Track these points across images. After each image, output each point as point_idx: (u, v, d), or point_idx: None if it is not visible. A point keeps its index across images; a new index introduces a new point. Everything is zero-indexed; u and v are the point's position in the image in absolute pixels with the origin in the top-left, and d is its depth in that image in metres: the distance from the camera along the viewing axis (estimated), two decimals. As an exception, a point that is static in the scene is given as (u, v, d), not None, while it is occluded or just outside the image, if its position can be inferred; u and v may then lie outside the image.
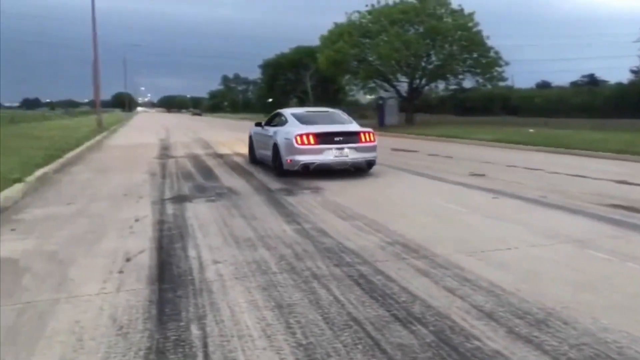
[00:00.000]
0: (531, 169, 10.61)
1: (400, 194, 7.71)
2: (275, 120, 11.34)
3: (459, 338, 2.88)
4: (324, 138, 9.38)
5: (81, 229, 5.59)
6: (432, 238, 5.03)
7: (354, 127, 10.43)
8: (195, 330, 3.03)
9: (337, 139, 9.47)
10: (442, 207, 6.66)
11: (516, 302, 3.39)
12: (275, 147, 9.88)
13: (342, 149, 9.38)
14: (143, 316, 3.24)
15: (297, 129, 9.61)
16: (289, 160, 9.38)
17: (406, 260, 4.32)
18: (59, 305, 3.45)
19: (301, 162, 9.24)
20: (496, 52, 32.39)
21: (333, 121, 10.92)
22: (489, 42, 32.37)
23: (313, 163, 9.27)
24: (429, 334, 2.93)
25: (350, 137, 9.67)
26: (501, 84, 36.36)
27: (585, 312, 3.22)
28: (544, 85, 58.22)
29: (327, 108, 13.67)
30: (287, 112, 11.40)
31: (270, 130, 10.78)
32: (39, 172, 9.20)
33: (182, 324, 3.12)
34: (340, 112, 12.26)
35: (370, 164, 9.94)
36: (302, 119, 10.35)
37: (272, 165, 10.19)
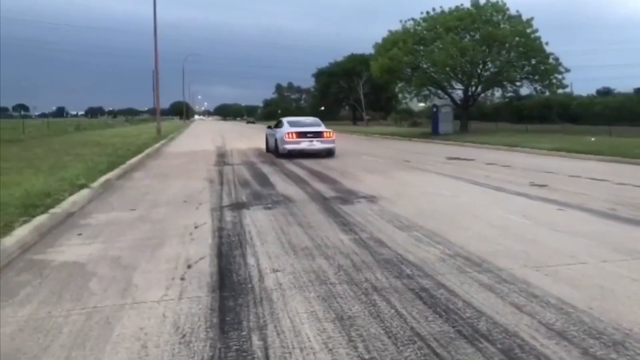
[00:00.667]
0: (596, 179, 10.16)
1: (459, 204, 7.52)
2: (278, 124, 17.50)
3: (529, 358, 2.75)
4: (301, 135, 15.73)
5: (144, 234, 5.74)
6: (495, 251, 4.87)
7: (321, 128, 16.60)
8: (256, 341, 3.02)
9: (309, 135, 15.83)
10: (504, 218, 6.45)
11: (589, 320, 3.21)
12: (275, 140, 16.47)
13: (311, 141, 15.77)
14: (205, 324, 3.26)
15: (286, 130, 15.99)
16: (282, 149, 15.67)
17: (469, 274, 4.18)
18: (124, 311, 3.52)
19: (287, 149, 15.54)
20: (556, 59, 31.37)
21: (310, 125, 17.00)
22: (548, 49, 31.41)
23: (294, 149, 15.51)
24: (498, 352, 2.81)
25: (317, 134, 16.04)
26: (560, 91, 35.15)
27: (667, 335, 3.01)
28: (605, 92, 55.97)
29: (312, 117, 20.15)
30: (284, 119, 17.75)
31: (274, 130, 17.27)
32: (102, 178, 9.54)
33: (243, 333, 3.13)
34: (318, 119, 18.40)
35: (329, 151, 16.26)
36: (291, 124, 16.79)
37: (274, 151, 16.64)
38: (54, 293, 3.88)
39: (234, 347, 2.94)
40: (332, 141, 16.23)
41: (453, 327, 3.16)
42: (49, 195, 7.15)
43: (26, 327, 3.27)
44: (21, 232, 5.28)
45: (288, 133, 15.72)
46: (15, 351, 2.95)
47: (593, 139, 21.47)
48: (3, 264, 4.55)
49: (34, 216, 5.95)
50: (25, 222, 5.65)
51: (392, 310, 3.43)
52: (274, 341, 3.00)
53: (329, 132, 16.31)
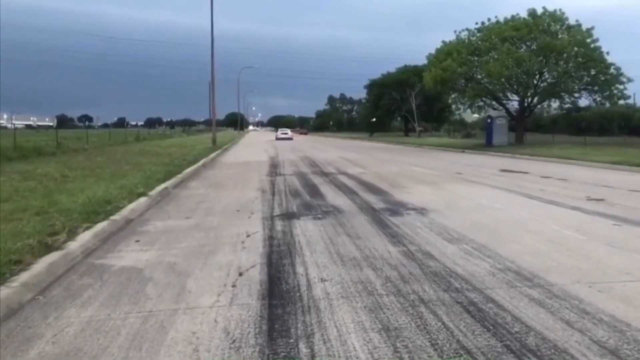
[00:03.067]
0: (659, 194, 9.74)
1: (511, 217, 7.38)
2: (278, 129, 68.78)
3: (579, 376, 2.71)
4: (281, 134, 60.16)
5: (198, 242, 5.94)
6: (546, 266, 4.77)
7: (290, 134, 61.14)
8: (303, 348, 3.09)
9: (283, 135, 59.31)
10: (558, 233, 6.29)
11: (644, 341, 3.12)
12: (276, 136, 60.90)
13: (284, 135, 59.21)
14: (254, 331, 3.37)
15: (279, 131, 64.86)
16: (276, 137, 59.17)
17: (519, 289, 4.13)
18: (178, 315, 3.67)
19: (277, 137, 58.41)
20: (617, 69, 30.17)
21: (285, 130, 65.02)
22: (610, 58, 30.26)
23: (278, 137, 57.97)
24: (546, 369, 2.78)
25: (287, 134, 60.14)
26: (622, 102, 33.79)
27: None
28: (673, 103, 53.31)
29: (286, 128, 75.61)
30: (279, 129, 71.68)
31: (277, 131, 69.19)
32: (160, 187, 9.90)
33: (291, 340, 3.21)
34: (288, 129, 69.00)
35: (290, 139, 56.38)
36: (279, 130, 67.46)
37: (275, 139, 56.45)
38: (113, 296, 4.09)
39: (282, 354, 3.03)
40: (291, 137, 58.57)
41: (501, 341, 3.14)
42: (109, 202, 7.50)
43: (87, 327, 3.47)
44: (84, 238, 5.58)
45: (277, 133, 60.52)
46: (76, 350, 3.14)
47: (657, 152, 20.52)
48: (67, 268, 4.83)
49: (95, 222, 6.27)
50: (87, 228, 5.96)
51: (439, 323, 3.44)
52: (320, 349, 3.07)
53: (291, 132, 65.63)
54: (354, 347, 3.08)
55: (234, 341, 3.21)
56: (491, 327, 3.35)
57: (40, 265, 4.48)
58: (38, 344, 3.21)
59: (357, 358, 2.95)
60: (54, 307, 3.85)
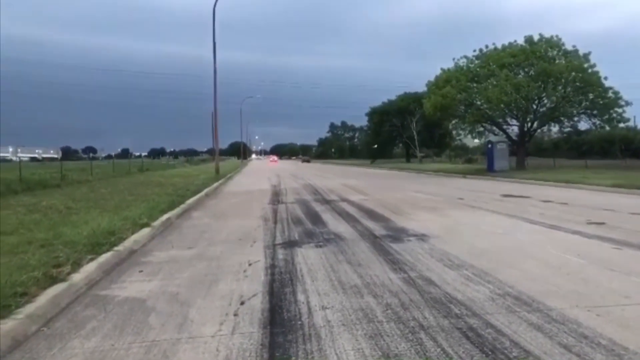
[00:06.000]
0: (660, 217, 9.77)
1: (511, 242, 7.43)
2: (269, 157, 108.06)
3: (575, 399, 2.74)
4: (270, 160, 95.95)
5: (200, 271, 5.99)
6: (546, 290, 4.81)
7: (276, 159, 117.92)
8: (304, 375, 3.13)
9: (272, 161, 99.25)
10: (557, 257, 6.33)
11: (641, 364, 3.16)
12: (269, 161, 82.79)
13: (273, 161, 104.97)
14: (256, 359, 3.41)
15: (269, 158, 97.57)
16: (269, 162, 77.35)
17: (518, 314, 4.17)
18: (180, 344, 3.72)
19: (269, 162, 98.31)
20: (615, 92, 30.49)
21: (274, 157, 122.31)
22: (608, 82, 30.58)
23: (271, 161, 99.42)
24: (543, 393, 2.82)
25: (275, 159, 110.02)
26: (622, 125, 34.00)
27: None
28: (673, 125, 53.58)
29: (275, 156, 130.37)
30: (270, 157, 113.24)
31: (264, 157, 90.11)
32: (163, 217, 9.99)
33: (292, 368, 3.25)
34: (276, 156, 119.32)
35: (275, 162, 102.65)
36: (269, 157, 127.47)
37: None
38: (116, 327, 4.14)
39: (283, 381, 3.07)
40: (276, 160, 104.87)
41: (499, 366, 3.18)
42: (113, 233, 7.57)
43: (91, 358, 3.52)
44: (88, 269, 5.64)
45: (269, 158, 69.38)
46: (82, 380, 3.19)
47: (658, 174, 20.58)
48: (72, 299, 4.89)
49: (99, 254, 6.33)
50: (91, 259, 6.03)
51: (439, 349, 3.48)
52: (321, 376, 3.11)
53: (276, 158, 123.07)
54: (354, 374, 3.12)
55: (235, 370, 3.25)
56: (490, 352, 3.39)
57: (45, 297, 4.54)
58: (43, 375, 3.26)
59: (357, 384, 2.99)
60: (58, 338, 3.91)
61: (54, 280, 4.99)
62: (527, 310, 4.26)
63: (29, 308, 4.21)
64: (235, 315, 4.34)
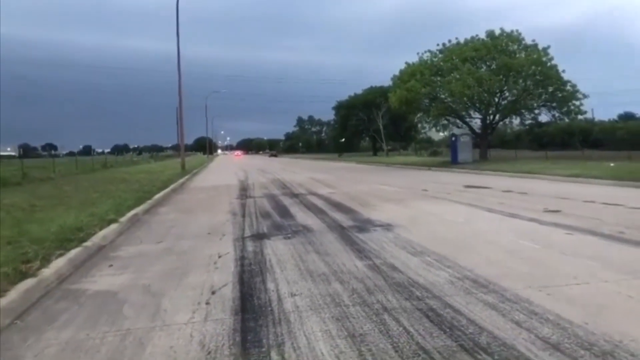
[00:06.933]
0: (610, 204, 10.29)
1: (471, 230, 7.75)
2: (234, 152, 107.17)
3: (523, 368, 3.00)
4: (234, 154, 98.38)
5: (170, 265, 6.10)
6: (502, 274, 5.11)
7: (240, 153, 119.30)
8: (275, 356, 3.31)
9: (236, 155, 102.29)
10: (514, 243, 6.67)
11: (583, 334, 3.45)
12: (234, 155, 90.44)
13: (237, 155, 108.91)
14: (228, 342, 3.57)
15: (233, 153, 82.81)
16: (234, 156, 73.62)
17: (475, 295, 4.44)
18: (155, 332, 3.85)
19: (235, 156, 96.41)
20: (573, 86, 31.53)
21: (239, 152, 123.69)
22: (565, 76, 31.60)
23: (235, 156, 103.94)
24: (495, 363, 3.07)
25: (239, 154, 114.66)
26: (580, 117, 35.16)
27: (656, 346, 3.23)
28: (628, 117, 55.57)
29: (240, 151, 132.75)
30: (234, 152, 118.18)
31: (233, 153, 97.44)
32: (130, 213, 9.99)
33: (263, 349, 3.42)
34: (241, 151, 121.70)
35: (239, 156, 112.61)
36: (234, 152, 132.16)
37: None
38: (90, 318, 4.23)
39: (255, 362, 3.25)
40: (240, 155, 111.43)
41: (456, 341, 3.42)
42: (81, 229, 7.59)
43: (67, 347, 3.62)
44: (58, 264, 5.68)
45: (234, 152, 71.51)
46: (59, 368, 3.30)
47: (612, 164, 21.45)
48: (43, 294, 4.94)
49: (68, 249, 6.37)
50: (60, 255, 6.06)
51: (400, 328, 3.70)
52: (290, 356, 3.30)
53: (241, 152, 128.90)
54: (322, 353, 3.32)
55: (209, 352, 3.41)
56: (447, 330, 3.64)
57: (16, 291, 4.59)
58: (20, 364, 3.36)
59: (324, 362, 3.19)
60: (32, 330, 3.99)
61: (23, 276, 5.03)
62: (483, 291, 4.53)
63: (1, 302, 4.26)
64: (207, 303, 4.49)
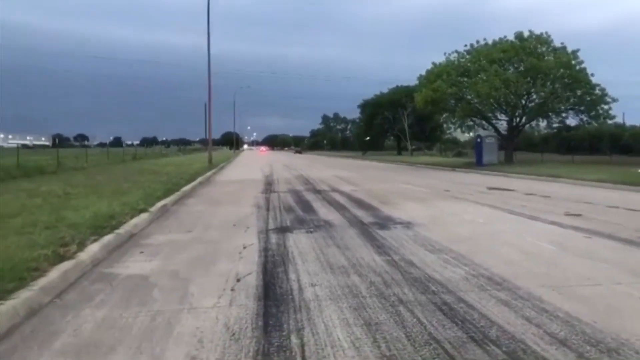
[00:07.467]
0: (634, 210, 10.28)
1: (491, 231, 7.88)
2: (260, 148, 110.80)
3: (529, 358, 3.18)
4: (259, 150, 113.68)
5: (198, 253, 6.40)
6: (517, 273, 5.25)
7: (265, 149, 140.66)
8: (294, 339, 3.55)
9: (261, 151, 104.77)
10: (532, 244, 6.79)
11: (590, 332, 3.60)
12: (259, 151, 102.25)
13: (263, 151, 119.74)
14: (251, 326, 3.82)
15: (259, 149, 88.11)
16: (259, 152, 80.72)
17: (489, 291, 4.60)
18: (183, 314, 4.12)
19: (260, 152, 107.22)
20: (602, 89, 31.07)
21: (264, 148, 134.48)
22: (595, 79, 31.16)
23: (260, 152, 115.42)
24: (502, 354, 3.24)
25: (264, 150, 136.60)
26: (610, 121, 34.61)
27: (659, 345, 3.37)
28: (661, 122, 54.27)
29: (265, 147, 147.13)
30: (260, 147, 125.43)
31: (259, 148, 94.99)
32: (159, 204, 10.35)
33: (284, 333, 3.66)
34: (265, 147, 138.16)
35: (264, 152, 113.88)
36: (260, 147, 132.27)
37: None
38: (123, 299, 4.53)
39: (276, 344, 3.48)
40: (265, 151, 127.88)
41: (466, 333, 3.61)
42: (113, 217, 7.94)
43: (103, 324, 3.91)
44: (93, 249, 6.02)
45: (260, 149, 74.36)
46: (95, 342, 3.58)
47: (640, 170, 21.18)
48: (79, 275, 5.27)
49: (102, 235, 6.71)
50: (95, 240, 6.40)
51: (414, 319, 3.90)
52: (309, 340, 3.53)
53: (266, 149, 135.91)
54: (339, 338, 3.54)
55: (233, 334, 3.66)
56: (459, 322, 3.82)
57: (56, 272, 4.91)
58: (61, 337, 3.65)
59: (340, 347, 3.41)
60: (71, 308, 4.29)
61: (62, 258, 5.36)
62: (497, 288, 4.70)
63: (42, 281, 4.58)
64: (232, 290, 4.75)
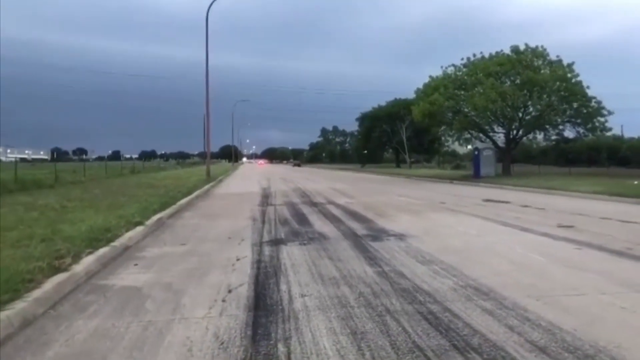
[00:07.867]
0: (627, 221, 10.37)
1: (483, 242, 7.96)
2: (258, 160, 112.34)
3: (508, 366, 3.27)
4: (258, 163, 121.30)
5: (192, 265, 6.48)
6: (504, 283, 5.34)
7: (264, 162, 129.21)
8: (281, 348, 3.63)
9: (259, 164, 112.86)
10: (522, 255, 6.88)
11: (570, 340, 3.69)
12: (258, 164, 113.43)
13: (261, 163, 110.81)
14: (240, 335, 3.91)
15: (257, 162, 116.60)
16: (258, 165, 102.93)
17: (475, 301, 4.69)
18: (174, 324, 4.21)
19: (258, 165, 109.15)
20: (598, 102, 31.31)
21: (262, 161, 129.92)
22: (590, 92, 31.41)
23: (259, 165, 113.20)
24: (482, 361, 3.34)
25: (262, 162, 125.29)
26: (608, 134, 34.82)
27: (636, 353, 3.46)
28: (659, 134, 54.52)
29: (263, 159, 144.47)
30: (259, 160, 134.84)
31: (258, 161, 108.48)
32: (155, 217, 10.45)
33: (271, 342, 3.75)
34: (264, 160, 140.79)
35: (262, 165, 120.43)
36: (258, 160, 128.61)
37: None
38: (116, 310, 4.62)
39: (263, 352, 3.57)
40: (263, 163, 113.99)
41: (450, 341, 3.69)
42: (109, 230, 8.04)
43: (95, 334, 4.00)
44: (87, 261, 6.11)
45: (258, 161, 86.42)
46: (87, 351, 3.67)
47: (636, 182, 21.30)
48: (74, 287, 5.35)
49: (97, 248, 6.81)
50: (90, 252, 6.50)
51: (400, 328, 3.99)
52: (295, 348, 3.62)
53: (264, 161, 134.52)
54: (325, 347, 3.63)
55: (222, 343, 3.75)
56: (444, 331, 3.91)
57: (50, 284, 5.00)
58: (53, 347, 3.74)
59: (326, 355, 3.49)
60: (64, 318, 4.38)
61: (56, 270, 5.46)
62: (483, 298, 4.79)
63: (36, 293, 4.68)
64: (223, 301, 4.84)
